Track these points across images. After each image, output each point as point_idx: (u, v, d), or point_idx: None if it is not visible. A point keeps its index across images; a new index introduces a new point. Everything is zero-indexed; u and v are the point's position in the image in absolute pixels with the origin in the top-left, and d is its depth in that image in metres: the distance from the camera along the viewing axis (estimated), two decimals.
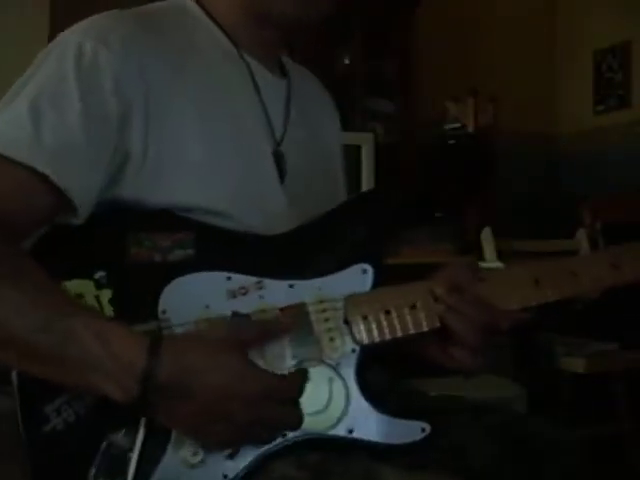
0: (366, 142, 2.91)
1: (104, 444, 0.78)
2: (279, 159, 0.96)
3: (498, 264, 2.61)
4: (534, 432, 0.95)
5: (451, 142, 3.73)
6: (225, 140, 0.91)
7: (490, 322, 0.89)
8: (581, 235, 2.95)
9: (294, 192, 0.97)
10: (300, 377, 0.81)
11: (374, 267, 0.90)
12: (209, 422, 0.75)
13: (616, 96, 4.03)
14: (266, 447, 0.81)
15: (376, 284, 0.90)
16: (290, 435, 0.82)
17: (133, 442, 0.77)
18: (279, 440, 0.82)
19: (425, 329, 0.90)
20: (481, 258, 2.87)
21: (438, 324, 0.90)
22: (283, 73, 1.07)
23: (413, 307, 0.89)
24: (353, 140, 2.91)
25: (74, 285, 0.82)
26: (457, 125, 3.75)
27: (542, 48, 4.28)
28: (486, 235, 2.80)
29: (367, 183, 2.92)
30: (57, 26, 3.06)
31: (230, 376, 0.75)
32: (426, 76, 3.69)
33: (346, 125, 1.20)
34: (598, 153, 4.04)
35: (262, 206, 0.93)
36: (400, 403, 0.94)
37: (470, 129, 3.71)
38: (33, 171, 0.79)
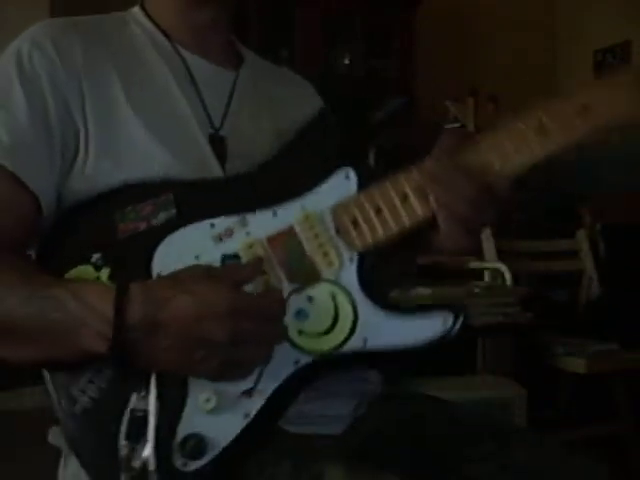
0: None
1: (128, 410, 0.79)
2: (218, 142, 0.96)
3: (498, 264, 2.61)
4: (557, 474, 0.91)
5: None
6: (160, 124, 0.93)
7: (482, 190, 0.83)
8: (581, 235, 2.96)
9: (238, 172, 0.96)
10: (277, 293, 0.81)
11: (356, 170, 0.87)
12: (190, 350, 0.76)
13: None
14: (283, 379, 0.80)
15: (362, 187, 0.86)
16: (303, 361, 0.81)
17: (149, 401, 0.78)
18: (293, 369, 0.81)
19: (420, 217, 0.85)
20: (481, 258, 2.87)
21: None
22: (237, 63, 1.07)
23: (405, 198, 0.85)
24: None
25: (76, 272, 0.85)
26: (457, 125, 3.75)
27: (542, 48, 4.28)
28: (486, 235, 2.79)
29: None
30: None
31: (196, 297, 0.75)
32: (426, 76, 3.70)
33: None
34: (598, 153, 4.04)
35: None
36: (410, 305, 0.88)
37: (470, 129, 3.71)
38: None
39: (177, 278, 0.79)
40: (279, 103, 1.07)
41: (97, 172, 0.89)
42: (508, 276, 2.56)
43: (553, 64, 4.33)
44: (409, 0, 3.66)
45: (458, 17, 3.95)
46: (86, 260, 0.85)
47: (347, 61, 3.66)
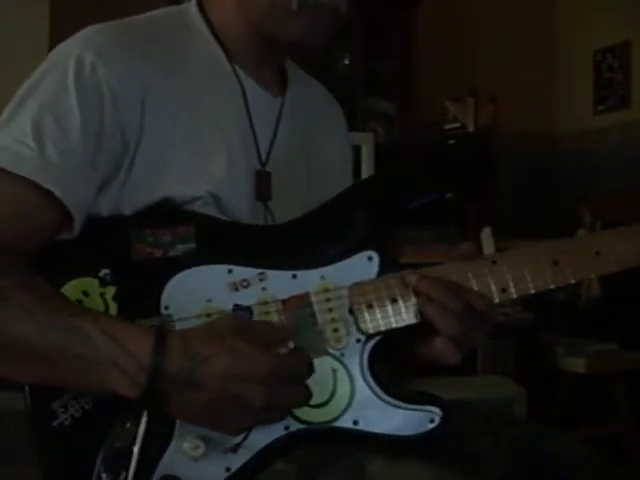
0: (366, 142, 2.91)
1: (109, 438, 0.79)
2: (264, 179, 0.96)
3: None
4: (550, 452, 0.92)
5: (451, 142, 3.73)
6: (209, 154, 0.91)
7: (467, 308, 0.85)
8: (581, 235, 2.95)
9: (280, 211, 0.96)
10: (305, 355, 0.79)
11: (380, 254, 0.88)
12: (223, 409, 0.74)
13: (616, 96, 4.03)
14: (270, 440, 0.80)
15: (382, 271, 0.87)
16: (293, 428, 0.81)
17: (137, 436, 0.77)
18: (283, 433, 0.81)
19: None
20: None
21: None
22: (283, 87, 1.04)
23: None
24: (353, 140, 2.90)
25: (79, 283, 0.83)
26: (457, 125, 3.75)
27: (542, 48, 4.28)
28: (486, 235, 2.79)
29: None
30: (57, 25, 3.06)
31: (238, 358, 0.73)
32: (426, 76, 3.70)
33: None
34: (598, 153, 4.04)
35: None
36: (409, 392, 0.89)
37: (470, 129, 3.72)
38: (38, 187, 0.81)
39: (216, 332, 0.76)
40: (312, 136, 1.06)
41: (131, 196, 0.86)
42: None
43: (553, 64, 4.33)
44: (409, 0, 3.66)
45: (458, 17, 3.95)
46: (92, 273, 0.83)
47: (347, 61, 3.66)
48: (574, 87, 4.25)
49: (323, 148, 1.08)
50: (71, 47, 0.88)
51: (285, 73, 1.06)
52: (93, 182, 0.85)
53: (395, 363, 0.99)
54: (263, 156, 0.97)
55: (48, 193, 0.81)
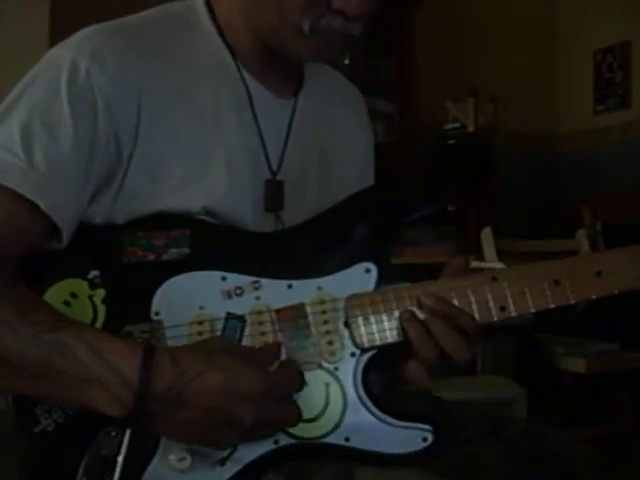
0: None
1: (93, 446, 0.77)
2: (275, 189, 0.92)
3: (498, 264, 2.61)
4: (550, 452, 0.91)
5: (451, 142, 3.73)
6: (208, 162, 0.88)
7: (458, 339, 0.83)
8: (581, 235, 2.95)
9: (292, 222, 0.93)
10: (296, 369, 0.78)
11: (378, 266, 0.86)
12: (213, 427, 0.72)
13: (616, 96, 4.03)
14: (259, 454, 0.78)
15: (380, 284, 0.86)
16: (283, 442, 0.79)
17: (121, 445, 0.75)
18: (272, 447, 0.79)
19: None
20: (481, 258, 2.87)
21: None
22: (297, 86, 0.99)
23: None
24: None
25: (67, 285, 0.81)
26: (457, 125, 3.75)
27: (542, 48, 4.28)
28: (486, 235, 2.79)
29: None
30: (57, 25, 3.05)
31: (228, 376, 0.71)
32: (426, 76, 3.69)
33: None
34: (598, 153, 4.04)
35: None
36: (404, 408, 0.88)
37: (470, 129, 3.71)
38: (23, 198, 0.78)
39: (206, 351, 0.74)
40: (328, 136, 1.02)
41: (125, 207, 0.84)
42: None
43: (553, 64, 4.33)
44: (409, 0, 3.66)
45: (458, 17, 3.95)
46: (81, 275, 0.81)
47: (347, 61, 3.66)
48: (574, 87, 4.25)
49: (340, 150, 1.03)
50: (65, 51, 0.85)
51: (301, 68, 1.01)
52: (84, 192, 0.83)
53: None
54: (274, 164, 0.93)
55: (34, 204, 0.78)
